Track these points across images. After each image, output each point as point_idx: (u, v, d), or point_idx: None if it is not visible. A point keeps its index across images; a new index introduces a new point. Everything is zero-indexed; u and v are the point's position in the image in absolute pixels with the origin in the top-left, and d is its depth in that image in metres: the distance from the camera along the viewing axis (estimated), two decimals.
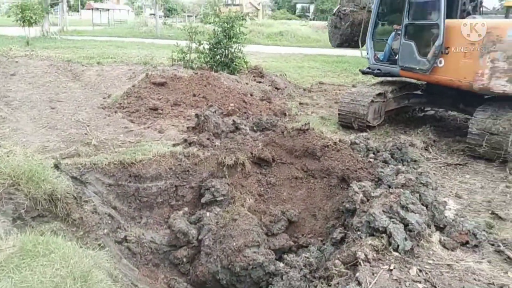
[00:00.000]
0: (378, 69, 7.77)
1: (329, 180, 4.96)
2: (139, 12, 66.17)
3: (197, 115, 5.82)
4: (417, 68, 6.59)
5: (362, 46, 8.36)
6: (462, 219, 3.87)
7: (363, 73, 8.46)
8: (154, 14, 35.88)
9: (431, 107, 8.53)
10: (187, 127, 6.02)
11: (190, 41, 11.02)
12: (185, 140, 5.15)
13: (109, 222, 3.70)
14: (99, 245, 3.15)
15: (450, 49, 6.08)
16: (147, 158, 4.46)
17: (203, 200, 4.40)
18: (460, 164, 5.70)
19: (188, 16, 51.97)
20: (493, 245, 3.53)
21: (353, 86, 11.39)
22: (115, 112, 6.70)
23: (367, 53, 7.94)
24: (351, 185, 4.22)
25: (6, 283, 2.06)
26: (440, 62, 6.24)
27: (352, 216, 3.89)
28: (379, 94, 7.11)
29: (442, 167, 5.60)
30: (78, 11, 56.28)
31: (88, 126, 6.06)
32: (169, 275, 4.05)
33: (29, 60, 10.96)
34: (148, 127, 6.08)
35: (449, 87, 6.38)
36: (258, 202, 4.88)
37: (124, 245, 3.74)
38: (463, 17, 6.48)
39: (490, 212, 4.21)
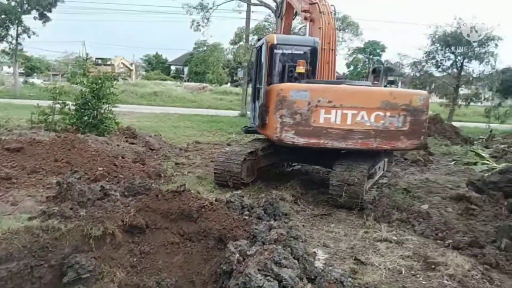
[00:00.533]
0: (250, 127, 8.47)
1: (207, 242, 4.86)
2: None
3: (58, 183, 5.30)
4: (256, 125, 7.61)
5: None
6: (330, 268, 4.11)
7: (244, 131, 9.42)
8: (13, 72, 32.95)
9: (298, 163, 9.22)
10: (47, 197, 5.41)
11: (54, 102, 10.28)
12: (44, 212, 4.61)
13: None
14: None
15: (269, 108, 7.07)
16: None
17: (65, 279, 3.90)
18: (325, 214, 6.16)
19: (53, 75, 48.90)
20: None
21: (228, 144, 11.79)
22: None
23: (250, 114, 8.72)
24: (227, 245, 4.21)
25: None
26: (267, 120, 7.19)
27: (229, 278, 3.84)
28: (250, 153, 7.45)
29: (310, 218, 5.98)
30: None
31: None
32: None
33: None
34: None
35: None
36: (130, 274, 4.49)
37: None
38: (290, 82, 7.44)
39: (353, 258, 4.56)
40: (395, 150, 6.76)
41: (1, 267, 3.78)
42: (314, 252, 4.55)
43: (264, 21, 28.98)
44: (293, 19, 10.83)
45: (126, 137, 10.33)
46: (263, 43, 7.93)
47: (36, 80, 40.86)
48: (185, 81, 57.18)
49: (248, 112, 9.30)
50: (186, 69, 69.40)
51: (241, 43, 28.45)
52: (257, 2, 26.93)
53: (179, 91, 33.54)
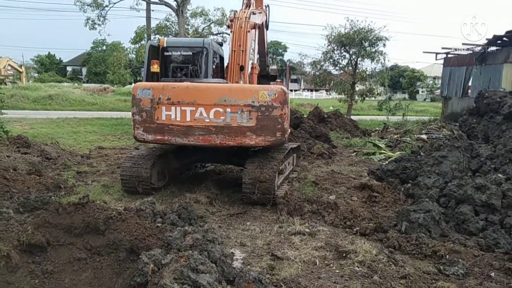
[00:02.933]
0: None
1: (117, 255, 4.56)
2: None
3: None
4: None
5: None
6: (248, 267, 4.11)
7: None
8: None
9: (210, 163, 9.14)
10: None
11: None
12: None
13: None
14: None
15: None
16: None
17: None
18: (241, 213, 6.18)
19: None
20: (276, 286, 3.85)
21: (136, 148, 11.27)
22: None
23: None
24: (140, 256, 3.99)
25: None
26: None
27: None
28: (160, 155, 7.18)
29: (226, 219, 5.94)
30: None
31: None
32: None
33: None
34: None
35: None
36: None
37: None
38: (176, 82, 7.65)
39: (270, 254, 4.61)
40: (244, 147, 6.70)
41: None
42: (232, 252, 4.51)
43: (166, 20, 28.29)
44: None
45: (17, 147, 9.28)
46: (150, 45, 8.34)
47: None
48: (83, 82, 53.66)
49: None
50: (84, 70, 65.16)
51: (143, 42, 27.43)
52: (157, 0, 26.22)
53: (78, 94, 31.23)
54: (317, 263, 4.39)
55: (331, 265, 4.36)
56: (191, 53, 8.08)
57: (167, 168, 7.48)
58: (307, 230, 5.38)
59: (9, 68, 45.54)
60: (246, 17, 8.27)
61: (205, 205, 6.33)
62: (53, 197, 5.53)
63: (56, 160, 9.23)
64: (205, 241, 4.12)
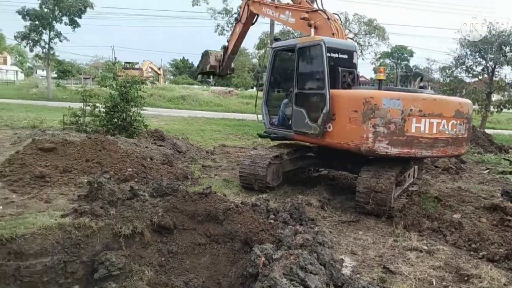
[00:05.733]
0: (274, 133, 8.26)
1: (233, 244, 4.86)
2: (30, 73, 62.33)
3: (89, 182, 5.42)
4: (309, 133, 7.00)
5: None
6: (357, 276, 4.03)
7: (261, 136, 9.09)
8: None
9: (324, 168, 9.11)
10: (78, 196, 5.55)
11: (84, 104, 10.58)
12: (76, 210, 4.71)
13: None
14: None
15: (336, 115, 6.61)
16: (30, 232, 3.96)
17: (96, 275, 3.99)
18: (353, 221, 6.05)
19: (84, 78, 50.31)
20: None
21: (254, 148, 11.80)
22: None
23: (263, 118, 8.39)
24: (253, 248, 4.19)
25: None
26: (329, 127, 6.70)
27: (255, 281, 3.82)
28: (276, 157, 7.42)
29: (337, 225, 5.88)
30: None
31: None
32: None
33: None
34: (33, 197, 5.47)
35: (339, 150, 6.89)
36: (158, 273, 4.56)
37: None
38: (344, 88, 7.13)
39: (382, 266, 4.45)
40: (457, 156, 7.27)
41: (36, 261, 3.91)
42: (341, 259, 4.48)
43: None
44: (253, 24, 10.77)
45: (154, 139, 10.51)
46: (312, 45, 7.21)
47: (62, 82, 42.14)
48: (211, 85, 57.75)
49: (260, 116, 8.83)
50: None
51: (267, 48, 28.55)
52: None
53: (206, 95, 33.92)
54: (434, 283, 4.10)
55: (450, 287, 4.04)
56: (347, 56, 7.44)
57: (282, 169, 7.69)
58: (425, 247, 5.04)
59: (150, 70, 51.38)
60: (335, 20, 8.01)
61: (316, 209, 6.36)
62: (181, 186, 6.11)
63: (185, 154, 10.17)
64: (315, 242, 4.16)
